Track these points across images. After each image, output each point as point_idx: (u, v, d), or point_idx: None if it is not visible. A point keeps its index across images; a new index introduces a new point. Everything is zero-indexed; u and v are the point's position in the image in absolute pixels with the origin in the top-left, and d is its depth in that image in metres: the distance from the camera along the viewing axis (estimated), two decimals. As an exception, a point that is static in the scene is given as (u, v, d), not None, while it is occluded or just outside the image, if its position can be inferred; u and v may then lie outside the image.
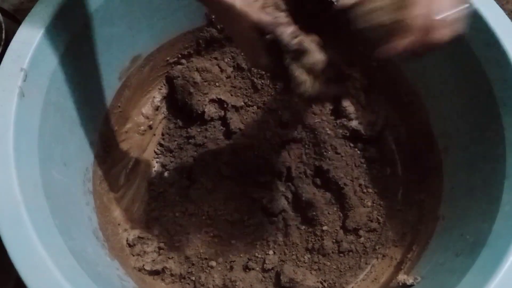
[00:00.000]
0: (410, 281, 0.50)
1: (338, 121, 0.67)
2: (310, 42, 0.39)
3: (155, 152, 0.68)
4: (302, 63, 0.39)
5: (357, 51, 0.64)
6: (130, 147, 0.65)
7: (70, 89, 0.50)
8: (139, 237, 0.60)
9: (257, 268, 0.60)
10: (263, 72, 0.67)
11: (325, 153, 0.64)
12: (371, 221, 0.62)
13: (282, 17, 0.39)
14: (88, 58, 0.52)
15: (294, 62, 0.39)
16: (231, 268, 0.59)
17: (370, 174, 0.65)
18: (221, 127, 0.67)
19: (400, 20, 0.36)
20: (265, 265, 0.59)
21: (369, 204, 0.63)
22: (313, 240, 0.61)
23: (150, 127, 0.68)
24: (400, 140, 0.67)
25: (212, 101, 0.68)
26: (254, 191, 0.62)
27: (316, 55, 0.39)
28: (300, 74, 0.39)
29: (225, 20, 0.43)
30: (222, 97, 0.67)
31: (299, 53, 0.39)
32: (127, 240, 0.59)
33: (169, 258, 0.59)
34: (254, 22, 0.39)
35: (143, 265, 0.58)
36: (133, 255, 0.59)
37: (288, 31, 0.38)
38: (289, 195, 0.63)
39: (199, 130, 0.67)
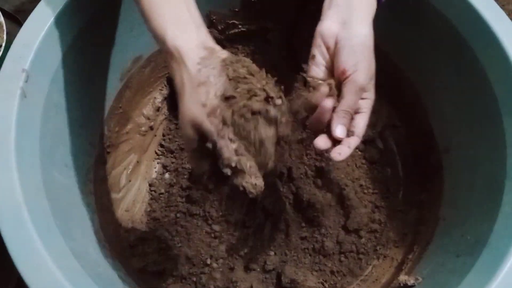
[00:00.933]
0: (411, 281, 0.50)
1: (338, 122, 0.67)
2: (250, 165, 0.37)
3: (156, 153, 0.68)
4: (237, 181, 0.37)
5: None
6: (131, 148, 0.65)
7: (72, 90, 0.50)
8: (140, 238, 0.60)
9: (258, 269, 0.60)
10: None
11: (326, 154, 0.64)
12: (372, 221, 0.62)
13: (228, 132, 0.36)
14: (90, 59, 0.52)
15: (232, 176, 0.37)
16: (232, 268, 0.59)
17: (371, 175, 0.65)
18: (222, 128, 0.67)
19: None
20: (266, 265, 0.59)
21: (370, 205, 0.63)
22: (314, 240, 0.61)
23: (151, 128, 0.68)
24: (401, 141, 0.67)
25: (213, 102, 0.68)
26: (255, 191, 0.62)
27: (252, 180, 0.37)
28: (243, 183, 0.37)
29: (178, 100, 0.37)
30: (223, 98, 0.67)
31: (235, 171, 0.36)
32: (128, 241, 0.59)
33: (170, 258, 0.59)
34: (198, 124, 0.35)
35: (144, 265, 0.58)
36: (134, 256, 0.59)
37: (230, 147, 0.36)
38: (290, 196, 0.63)
39: (200, 131, 0.68)
